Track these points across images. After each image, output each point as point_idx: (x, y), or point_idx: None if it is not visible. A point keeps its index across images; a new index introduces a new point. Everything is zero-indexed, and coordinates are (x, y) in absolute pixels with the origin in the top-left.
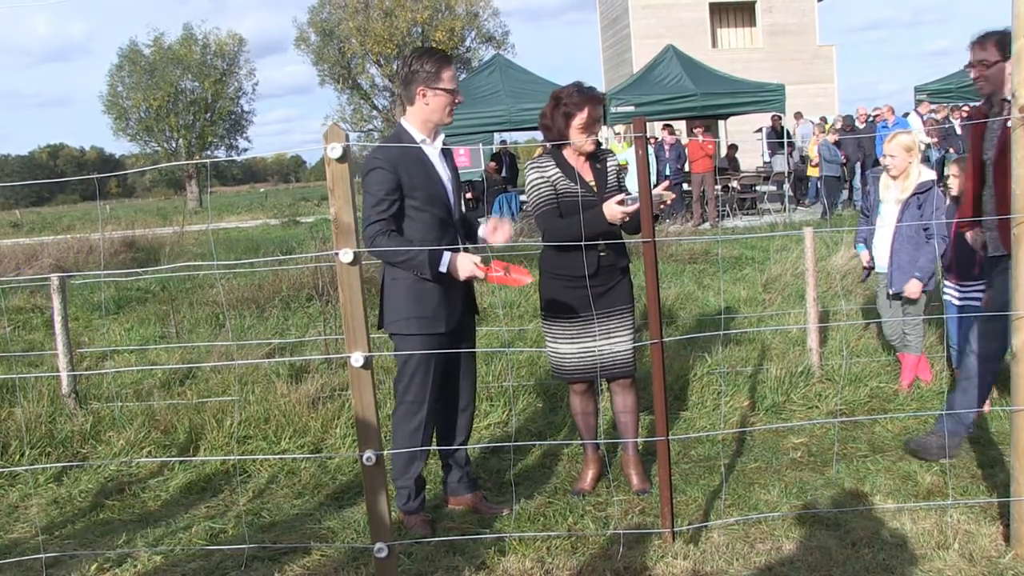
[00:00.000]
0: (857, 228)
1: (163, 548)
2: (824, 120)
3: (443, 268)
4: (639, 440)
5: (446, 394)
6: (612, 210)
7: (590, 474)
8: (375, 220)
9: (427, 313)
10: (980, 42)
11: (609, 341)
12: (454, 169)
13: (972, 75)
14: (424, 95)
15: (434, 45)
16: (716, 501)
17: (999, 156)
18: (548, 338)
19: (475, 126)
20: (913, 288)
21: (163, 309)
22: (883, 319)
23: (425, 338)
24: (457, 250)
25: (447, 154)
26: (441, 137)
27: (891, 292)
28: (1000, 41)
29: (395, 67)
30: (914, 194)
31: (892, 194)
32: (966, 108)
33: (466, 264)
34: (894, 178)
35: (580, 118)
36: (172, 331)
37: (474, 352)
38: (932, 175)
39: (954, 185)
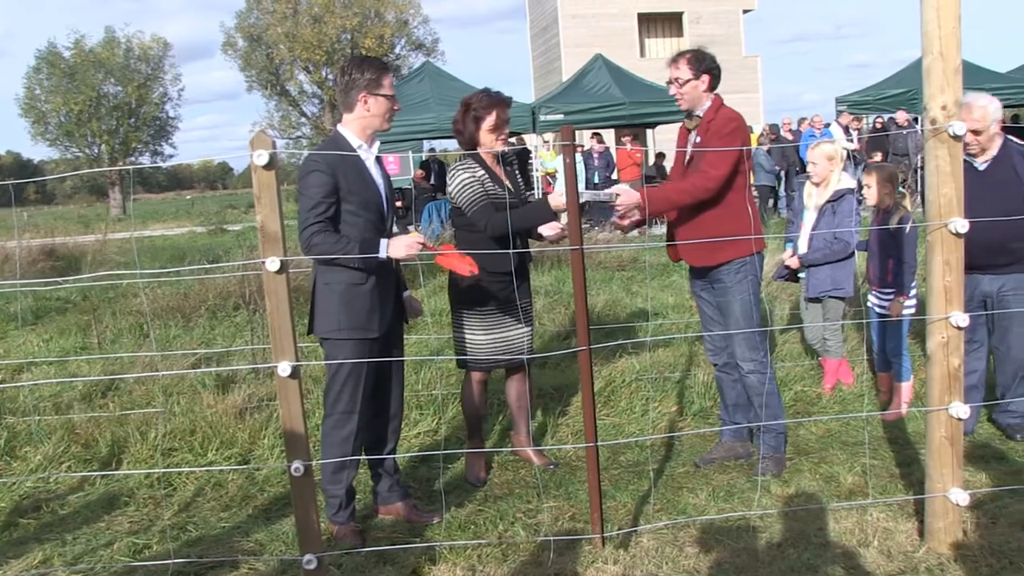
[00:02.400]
0: (786, 234)
1: (83, 566)
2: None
3: (382, 253)
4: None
5: (376, 402)
6: (558, 200)
7: (481, 462)
8: (312, 222)
9: (359, 318)
10: (674, 61)
11: (519, 331)
12: (387, 177)
13: (671, 92)
14: (365, 101)
15: (363, 52)
16: (645, 506)
17: (687, 168)
18: (467, 331)
19: (404, 134)
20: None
21: (84, 319)
22: (804, 324)
23: (357, 343)
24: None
25: (379, 161)
26: (377, 144)
27: (807, 296)
28: (692, 59)
29: (324, 74)
30: (828, 201)
31: (813, 201)
32: (879, 120)
33: (407, 241)
34: (816, 185)
35: (489, 121)
36: (94, 342)
37: (403, 359)
38: (851, 183)
39: (871, 196)
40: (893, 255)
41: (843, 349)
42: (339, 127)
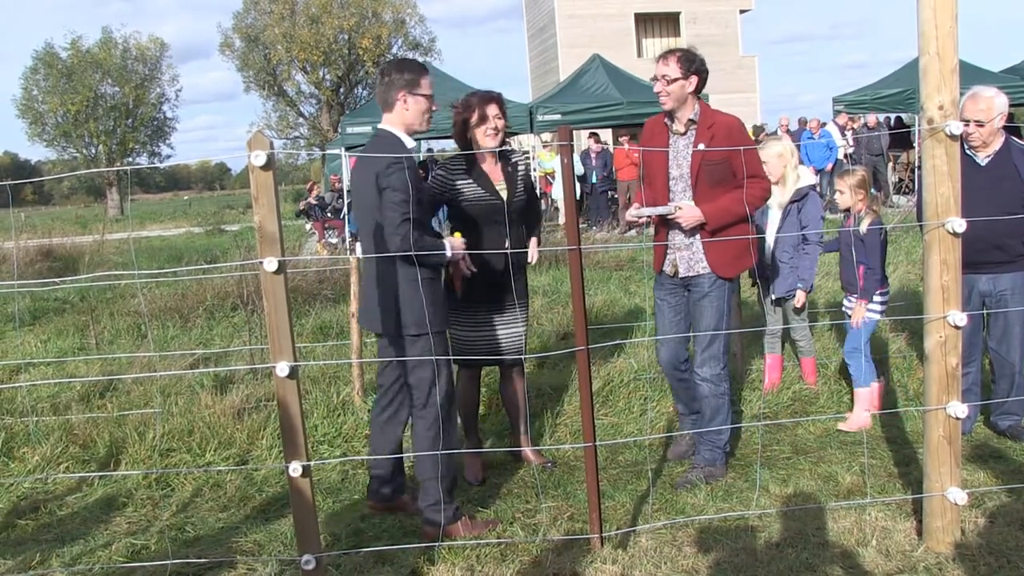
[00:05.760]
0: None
1: (80, 567)
2: None
3: (448, 253)
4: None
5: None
6: (455, 246)
7: (478, 461)
8: (408, 217)
9: (442, 310)
10: (664, 58)
11: (508, 330)
12: None
13: (656, 88)
14: (405, 100)
15: (360, 52)
16: (644, 506)
17: (699, 178)
18: (454, 328)
19: None
20: (799, 298)
21: (82, 320)
22: (768, 325)
23: (441, 336)
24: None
25: None
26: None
27: (773, 297)
28: (682, 58)
29: (322, 74)
30: (792, 201)
31: (775, 200)
32: (873, 118)
33: (455, 242)
34: (775, 183)
35: (473, 119)
36: (92, 342)
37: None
38: (812, 180)
39: (843, 201)
40: (861, 260)
41: (814, 347)
42: (388, 126)
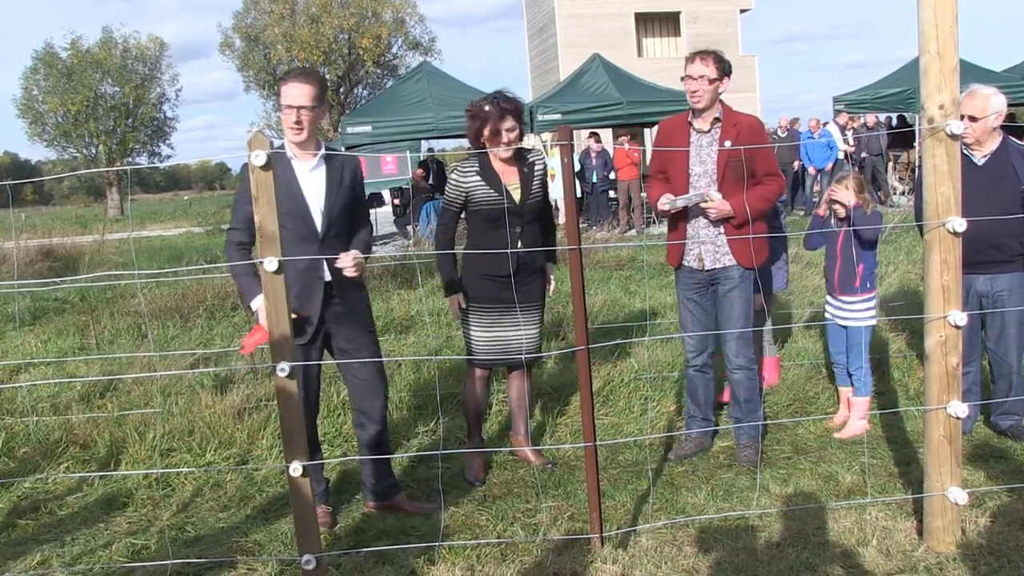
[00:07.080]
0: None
1: (81, 567)
2: None
3: (253, 305)
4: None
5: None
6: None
7: (479, 461)
8: (233, 227)
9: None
10: (703, 57)
11: (519, 332)
12: (336, 186)
13: (691, 87)
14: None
15: (360, 52)
16: (644, 505)
17: (725, 174)
18: (468, 326)
19: (402, 133)
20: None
21: (82, 320)
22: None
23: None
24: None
25: (340, 170)
26: (320, 154)
27: None
28: (717, 60)
29: (321, 74)
30: None
31: None
32: (872, 118)
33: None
34: None
35: (485, 131)
36: (92, 342)
37: (378, 362)
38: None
39: (840, 210)
40: (862, 255)
41: (775, 347)
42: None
